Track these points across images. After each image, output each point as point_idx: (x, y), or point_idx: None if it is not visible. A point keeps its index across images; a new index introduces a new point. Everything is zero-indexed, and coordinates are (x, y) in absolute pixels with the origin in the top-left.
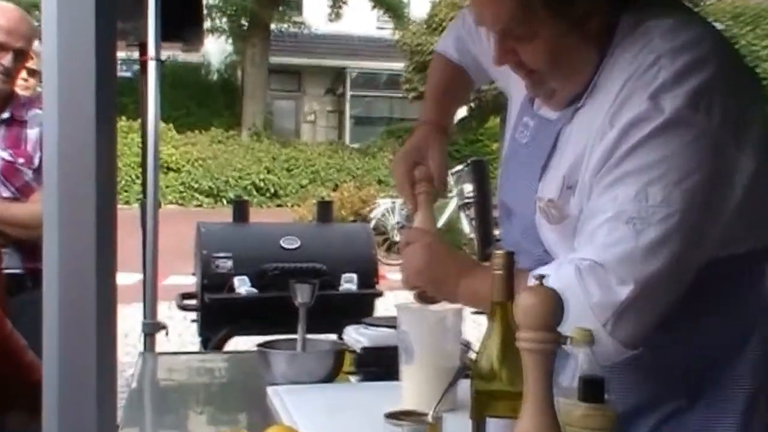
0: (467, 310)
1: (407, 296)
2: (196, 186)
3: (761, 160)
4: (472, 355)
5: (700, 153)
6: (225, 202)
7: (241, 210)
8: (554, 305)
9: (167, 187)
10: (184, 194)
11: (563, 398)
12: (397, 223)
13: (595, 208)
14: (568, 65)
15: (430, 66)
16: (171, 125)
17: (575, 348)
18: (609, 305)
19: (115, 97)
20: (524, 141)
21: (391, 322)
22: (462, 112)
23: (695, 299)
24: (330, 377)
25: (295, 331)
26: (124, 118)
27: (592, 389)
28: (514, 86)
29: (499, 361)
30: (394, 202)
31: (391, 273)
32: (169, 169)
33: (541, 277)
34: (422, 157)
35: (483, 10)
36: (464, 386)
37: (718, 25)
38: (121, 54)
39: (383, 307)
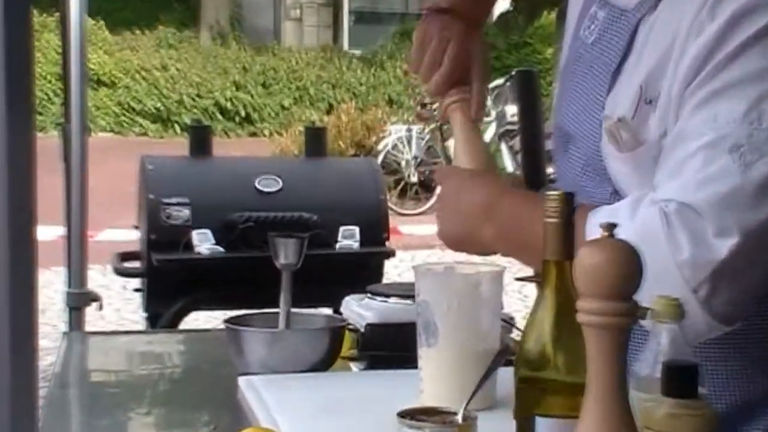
0: (510, 274)
1: (427, 257)
2: (138, 107)
3: None
4: (517, 335)
5: None
6: (178, 129)
7: (200, 140)
8: (629, 264)
9: (98, 108)
10: (122, 118)
11: (641, 392)
12: (415, 157)
13: (686, 131)
14: None
15: None
16: (102, 22)
17: (658, 324)
18: (703, 264)
19: None
20: (590, 39)
21: (406, 291)
22: (503, 3)
23: None
24: (324, 365)
25: (275, 304)
26: (36, 11)
27: (680, 380)
28: None
29: (553, 342)
30: (409, 129)
31: (405, 225)
32: (100, 83)
33: (612, 225)
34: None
35: None
36: (505, 376)
37: None
38: None
39: (395, 271)
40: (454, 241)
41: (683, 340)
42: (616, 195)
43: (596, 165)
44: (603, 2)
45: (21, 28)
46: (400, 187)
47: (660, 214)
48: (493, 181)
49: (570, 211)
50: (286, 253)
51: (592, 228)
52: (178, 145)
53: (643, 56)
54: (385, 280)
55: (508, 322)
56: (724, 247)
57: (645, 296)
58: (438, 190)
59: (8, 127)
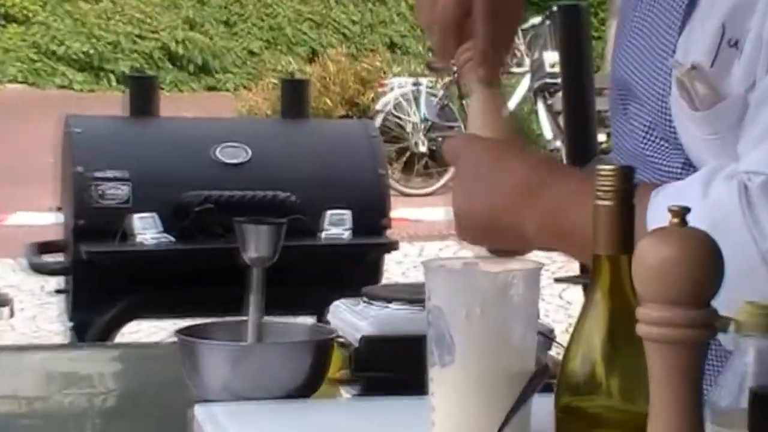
0: (548, 274)
1: (440, 250)
2: (59, 50)
3: None
4: (558, 352)
5: None
6: (114, 80)
7: (143, 95)
8: (706, 261)
9: (7, 51)
10: (39, 65)
11: (721, 427)
12: (424, 120)
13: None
14: None
15: None
16: None
17: (743, 339)
18: None
19: None
20: None
21: (412, 294)
22: None
23: None
24: (306, 389)
25: (240, 309)
26: None
27: None
28: None
29: (606, 361)
30: (417, 84)
31: (411, 209)
32: (9, 18)
33: (683, 210)
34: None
35: None
36: (543, 404)
37: None
38: None
39: (398, 269)
40: (480, 233)
41: None
42: (690, 167)
43: (664, 128)
44: None
45: None
46: (404, 159)
47: (740, 189)
48: (532, 157)
49: (628, 190)
50: (257, 243)
51: (657, 212)
52: (114, 101)
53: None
54: (385, 280)
55: (547, 336)
56: None
57: (722, 302)
58: (453, 165)
59: None
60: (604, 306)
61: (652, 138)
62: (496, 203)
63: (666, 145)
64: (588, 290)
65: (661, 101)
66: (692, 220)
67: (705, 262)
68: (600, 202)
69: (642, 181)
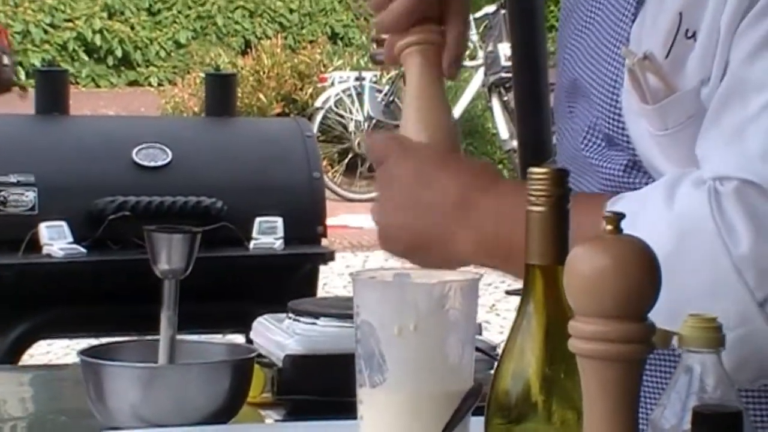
0: (489, 294)
1: (383, 260)
2: None
3: None
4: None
5: None
6: (21, 74)
7: (53, 91)
8: (642, 271)
9: None
10: None
11: None
12: (368, 118)
13: (746, 81)
14: None
15: None
16: None
17: (688, 355)
18: None
19: None
20: None
21: (344, 309)
22: None
23: None
24: (225, 413)
25: (155, 327)
26: None
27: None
28: None
29: (538, 381)
30: (361, 78)
31: (353, 215)
32: None
33: (617, 216)
34: None
35: None
36: (477, 428)
37: None
38: None
39: (339, 281)
40: (408, 247)
41: (726, 377)
42: (633, 170)
43: (611, 126)
44: None
45: None
46: (347, 161)
47: (710, 196)
48: (469, 169)
49: (563, 195)
50: (169, 254)
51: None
52: (19, 98)
53: None
54: (324, 293)
55: (488, 354)
56: None
57: (678, 310)
58: (378, 168)
59: None
60: (537, 320)
61: (594, 139)
62: (426, 219)
63: (608, 145)
64: (520, 303)
65: (610, 96)
66: (657, 231)
67: (641, 272)
68: (532, 208)
69: (581, 193)
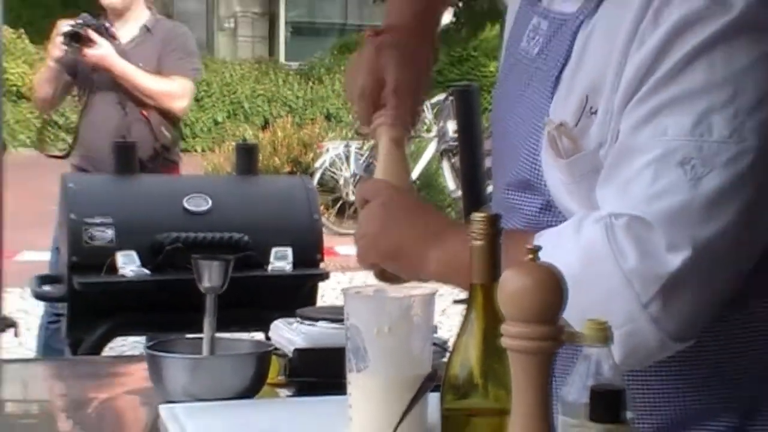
0: (446, 297)
1: (365, 279)
2: (62, 121)
3: None
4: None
5: None
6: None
7: (125, 157)
8: (552, 288)
9: (18, 122)
10: (44, 133)
11: (568, 417)
12: (354, 175)
13: (633, 146)
14: None
15: None
16: (22, 32)
17: (586, 348)
18: (655, 277)
19: None
20: (535, 51)
21: (336, 314)
22: (445, 17)
23: (747, 280)
24: (250, 391)
25: (201, 328)
26: None
27: (607, 405)
28: None
29: (479, 368)
30: (348, 146)
31: (342, 246)
32: (21, 96)
33: (536, 249)
34: (395, 66)
35: None
36: (435, 402)
37: None
38: None
39: (333, 294)
40: (385, 256)
41: (614, 366)
42: (546, 210)
43: (530, 177)
44: (544, 12)
45: None
46: (338, 206)
47: (606, 228)
48: (433, 209)
49: (496, 233)
50: (210, 275)
51: (541, 255)
52: None
53: (583, 63)
54: (321, 303)
55: (441, 347)
56: (675, 260)
57: (583, 315)
58: (369, 199)
59: None
60: (478, 324)
61: (518, 186)
62: (406, 234)
63: (528, 192)
64: (465, 310)
65: (533, 154)
66: (569, 255)
67: (552, 289)
68: (474, 242)
69: (509, 230)
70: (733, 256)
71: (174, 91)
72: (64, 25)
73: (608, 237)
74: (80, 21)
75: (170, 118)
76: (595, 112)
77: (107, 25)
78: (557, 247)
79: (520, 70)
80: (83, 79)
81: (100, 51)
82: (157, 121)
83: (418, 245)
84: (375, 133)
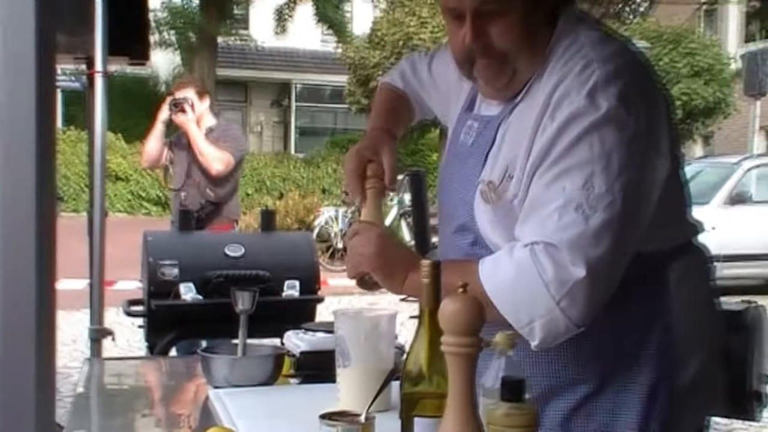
0: (402, 315)
1: (349, 302)
2: (144, 194)
3: (671, 167)
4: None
5: (632, 151)
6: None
7: (186, 220)
8: (476, 312)
9: (115, 195)
10: (133, 203)
11: (486, 398)
12: (341, 230)
13: (544, 198)
14: (533, 43)
15: (376, 94)
16: (120, 135)
17: (497, 351)
18: (564, 282)
19: (54, 109)
20: (470, 142)
21: (329, 328)
22: None
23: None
24: (270, 380)
25: (237, 336)
26: (73, 127)
27: (512, 390)
28: (454, 104)
29: (426, 365)
30: (337, 210)
31: (333, 279)
32: (117, 178)
33: (465, 284)
34: (374, 155)
35: None
36: (396, 388)
37: (643, 44)
38: (69, 66)
39: (327, 312)
40: (378, 270)
41: (517, 363)
42: (476, 244)
43: (466, 221)
44: (476, 116)
45: (47, 142)
46: (329, 252)
47: (530, 252)
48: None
49: (438, 274)
50: (243, 301)
51: (485, 273)
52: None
53: (503, 146)
54: (317, 320)
55: (401, 349)
56: (577, 271)
57: (524, 315)
58: (356, 233)
59: (37, 205)
60: (426, 335)
61: (458, 230)
62: (395, 258)
63: (464, 233)
64: (417, 325)
65: (469, 206)
66: (505, 270)
67: (475, 312)
68: (423, 280)
69: (452, 260)
70: (613, 269)
71: (217, 156)
72: (170, 99)
73: (532, 257)
74: (180, 97)
75: (213, 181)
76: (512, 177)
77: (193, 102)
78: (497, 266)
79: (460, 155)
80: (175, 141)
81: (186, 116)
82: (202, 183)
83: (401, 267)
84: (367, 192)
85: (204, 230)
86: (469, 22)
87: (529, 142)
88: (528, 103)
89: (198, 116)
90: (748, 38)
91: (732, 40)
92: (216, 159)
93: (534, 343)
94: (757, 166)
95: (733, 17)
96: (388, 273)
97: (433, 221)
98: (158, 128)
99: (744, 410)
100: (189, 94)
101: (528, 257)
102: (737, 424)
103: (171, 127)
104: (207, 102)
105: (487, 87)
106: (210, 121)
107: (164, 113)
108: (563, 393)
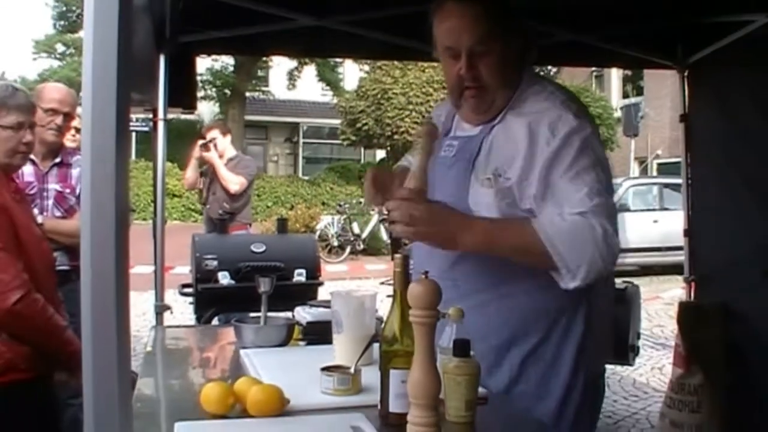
0: (380, 295)
1: (341, 285)
2: (192, 207)
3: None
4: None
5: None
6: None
7: (222, 225)
8: (435, 292)
9: (172, 208)
10: (185, 213)
11: (442, 355)
12: (335, 233)
13: (571, 188)
14: (507, 80)
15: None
16: (175, 164)
17: (451, 321)
18: (604, 237)
19: (129, 146)
20: (451, 154)
21: (327, 304)
22: (381, 153)
23: None
24: (284, 343)
25: (260, 310)
26: (143, 159)
27: (461, 348)
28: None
29: (398, 331)
30: (333, 218)
31: (329, 267)
32: (173, 195)
33: (426, 271)
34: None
35: (462, 33)
36: (377, 348)
37: None
38: (140, 115)
39: (325, 293)
40: (431, 219)
41: (464, 330)
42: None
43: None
44: (453, 137)
45: (123, 169)
46: (328, 248)
47: (581, 216)
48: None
49: (407, 265)
50: (264, 285)
51: (542, 228)
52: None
53: (490, 154)
54: (318, 298)
55: (380, 320)
56: (611, 231)
57: (574, 259)
58: (436, 204)
59: (116, 215)
60: (398, 309)
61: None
62: (445, 219)
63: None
64: (392, 301)
65: (460, 201)
66: (560, 226)
67: (433, 292)
68: (395, 270)
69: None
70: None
71: (234, 180)
72: (200, 141)
73: (584, 218)
74: (207, 139)
75: (231, 196)
76: (499, 176)
77: (216, 141)
78: (552, 224)
79: (443, 165)
80: (205, 171)
81: (210, 153)
82: (222, 198)
83: (455, 223)
84: (418, 146)
85: (227, 232)
86: (464, 59)
87: (527, 151)
88: (506, 125)
89: (221, 151)
90: (625, 95)
91: (614, 96)
92: (232, 182)
93: (574, 284)
94: (634, 185)
95: (615, 80)
96: (450, 231)
97: None
98: (193, 162)
99: (625, 358)
100: (215, 133)
101: (580, 218)
102: (618, 368)
103: (201, 159)
104: (229, 138)
105: (471, 112)
106: (231, 152)
107: (196, 151)
108: (519, 342)
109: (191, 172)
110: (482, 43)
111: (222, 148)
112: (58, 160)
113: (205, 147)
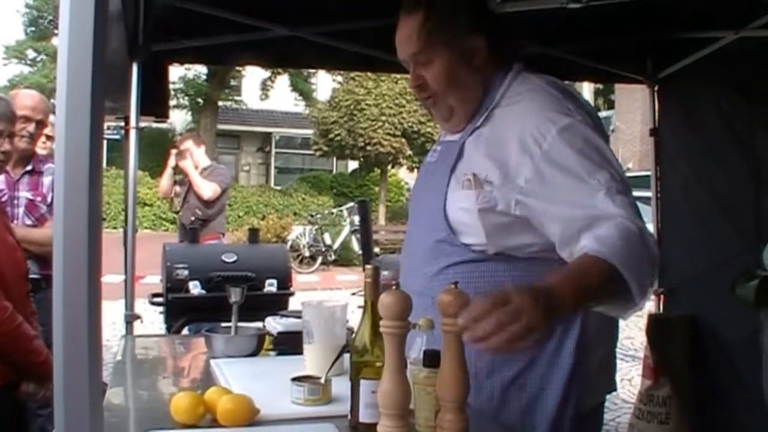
0: (351, 305)
1: (312, 295)
2: (164, 216)
3: None
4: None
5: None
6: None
7: (194, 236)
8: (405, 303)
9: (143, 217)
10: (156, 222)
11: (412, 365)
12: (307, 242)
13: (586, 188)
14: (463, 87)
15: None
16: (147, 173)
17: (421, 331)
18: (645, 242)
19: (101, 155)
20: (434, 160)
21: (298, 314)
22: (353, 164)
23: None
24: (255, 353)
25: (230, 320)
26: (114, 167)
27: (431, 359)
28: None
29: (369, 341)
30: (304, 228)
31: (301, 277)
32: (145, 204)
33: (398, 283)
34: None
35: (402, 44)
36: (347, 358)
37: None
38: (112, 123)
39: (296, 303)
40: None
41: (434, 340)
42: (443, 241)
43: (435, 222)
44: (440, 142)
45: (96, 177)
46: (299, 259)
47: (626, 222)
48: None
49: (377, 275)
50: (235, 294)
51: (603, 253)
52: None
53: (471, 162)
54: (290, 308)
55: (350, 330)
56: (647, 231)
57: (636, 267)
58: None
59: (89, 222)
60: (368, 320)
61: (426, 229)
62: (544, 310)
63: (433, 231)
64: (362, 312)
65: (439, 208)
66: (612, 243)
67: (403, 302)
68: (366, 280)
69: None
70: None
71: (206, 186)
72: (174, 150)
73: (627, 223)
74: (182, 148)
75: (204, 203)
76: (489, 181)
77: (192, 151)
78: (604, 244)
79: (427, 172)
80: (179, 180)
81: (185, 162)
82: (195, 205)
83: (553, 305)
84: None
85: (198, 242)
86: (411, 68)
87: (519, 146)
88: (491, 125)
89: (195, 161)
90: (596, 108)
91: None
92: (206, 188)
93: (644, 299)
94: None
95: (586, 93)
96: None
97: (376, 236)
98: (168, 171)
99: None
100: (189, 144)
101: (627, 226)
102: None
103: (176, 169)
104: (203, 148)
105: (437, 120)
106: (205, 162)
107: (172, 160)
108: (500, 369)
109: (166, 181)
110: (422, 53)
111: (196, 158)
112: (29, 167)
113: (181, 155)
